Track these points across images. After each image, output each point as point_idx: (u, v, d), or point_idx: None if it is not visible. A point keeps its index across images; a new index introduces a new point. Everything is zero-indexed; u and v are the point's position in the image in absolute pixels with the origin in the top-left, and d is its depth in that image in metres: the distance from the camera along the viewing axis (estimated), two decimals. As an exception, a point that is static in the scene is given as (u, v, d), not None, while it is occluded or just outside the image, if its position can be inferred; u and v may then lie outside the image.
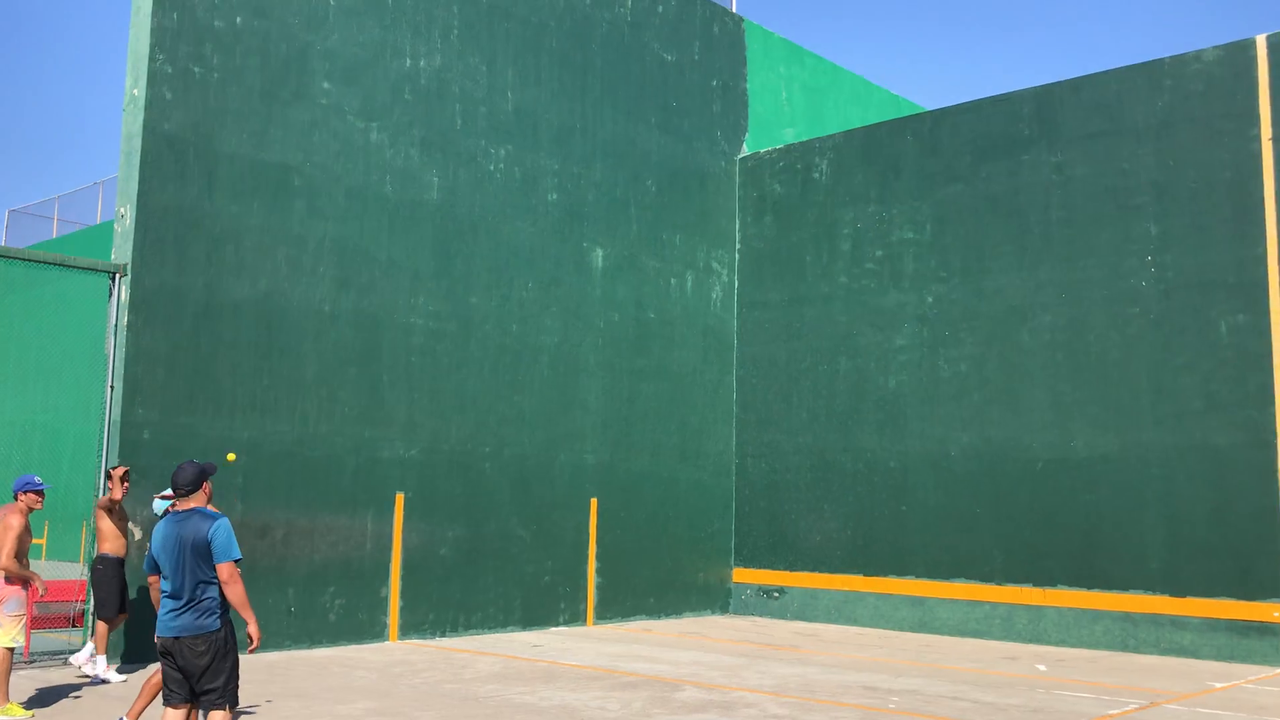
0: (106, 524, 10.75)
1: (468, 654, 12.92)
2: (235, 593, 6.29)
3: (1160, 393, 14.38)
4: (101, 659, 10.52)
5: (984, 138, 16.23)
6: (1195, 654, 13.72)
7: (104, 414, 11.82)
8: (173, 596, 6.30)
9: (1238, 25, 67.95)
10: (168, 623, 6.30)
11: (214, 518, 6.34)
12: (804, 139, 19.34)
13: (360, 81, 14.05)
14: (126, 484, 10.78)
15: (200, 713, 6.56)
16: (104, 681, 10.41)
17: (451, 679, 11.09)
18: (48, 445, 27.84)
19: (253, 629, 6.40)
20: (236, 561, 6.31)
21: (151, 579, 6.48)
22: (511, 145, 15.66)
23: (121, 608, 10.79)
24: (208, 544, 6.24)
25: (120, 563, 10.76)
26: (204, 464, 6.58)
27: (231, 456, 10.31)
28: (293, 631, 12.82)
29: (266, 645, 12.50)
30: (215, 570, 6.26)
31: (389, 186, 14.25)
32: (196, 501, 6.46)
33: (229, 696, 6.35)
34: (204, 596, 6.26)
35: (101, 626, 10.59)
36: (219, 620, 6.30)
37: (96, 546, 10.78)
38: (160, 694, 7.33)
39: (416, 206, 14.52)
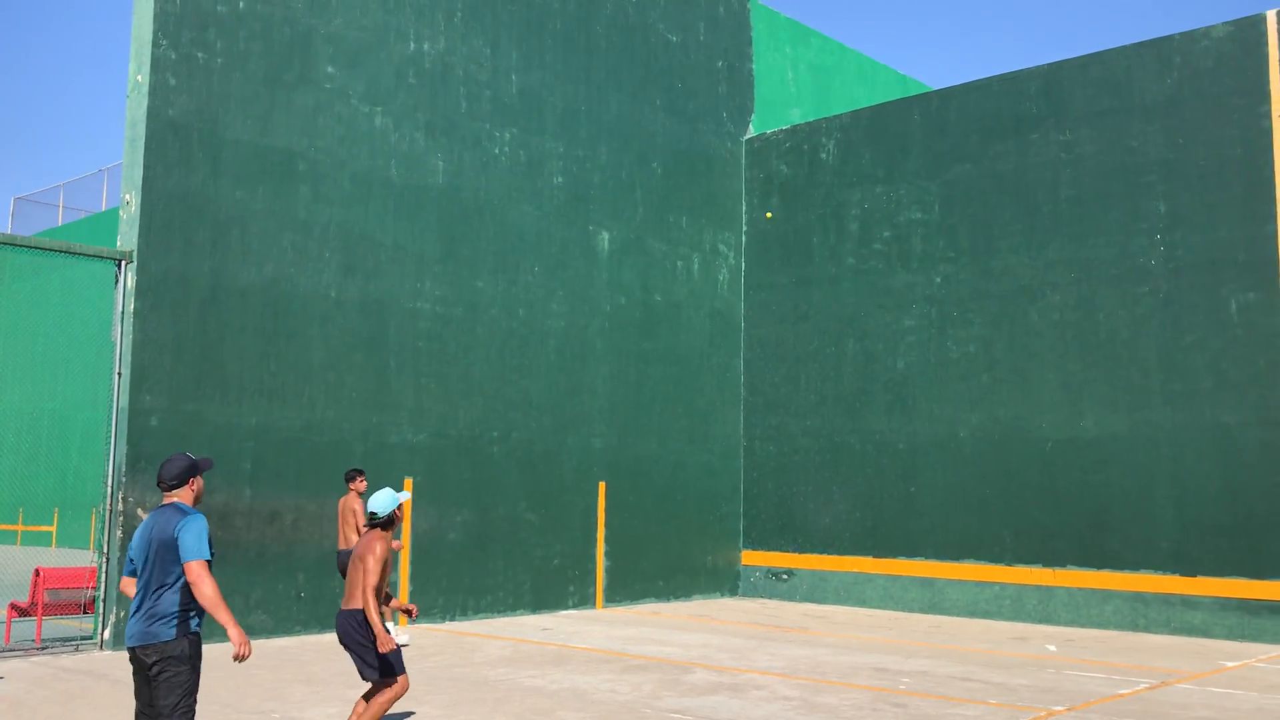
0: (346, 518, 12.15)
1: (477, 637, 12.93)
2: (204, 594, 5.46)
3: (1170, 371, 14.32)
4: None
5: (992, 117, 16.13)
6: (1207, 633, 13.70)
7: (112, 401, 11.82)
8: (136, 599, 5.65)
9: (1247, 1, 67.51)
10: (127, 629, 5.63)
11: (187, 512, 5.64)
12: (810, 119, 19.25)
13: (364, 65, 13.99)
14: (354, 482, 12.19)
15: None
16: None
17: (462, 662, 11.10)
18: (56, 432, 27.96)
19: (233, 634, 5.48)
20: (207, 562, 5.53)
21: (124, 581, 5.81)
22: (516, 128, 15.60)
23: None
24: (175, 540, 5.52)
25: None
26: (198, 458, 5.88)
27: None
28: (303, 617, 12.84)
29: (277, 630, 12.54)
30: (181, 571, 5.52)
31: (394, 171, 14.21)
32: (179, 497, 5.75)
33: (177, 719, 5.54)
34: (158, 601, 5.53)
35: None
36: (174, 630, 5.52)
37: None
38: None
39: (421, 191, 14.48)
